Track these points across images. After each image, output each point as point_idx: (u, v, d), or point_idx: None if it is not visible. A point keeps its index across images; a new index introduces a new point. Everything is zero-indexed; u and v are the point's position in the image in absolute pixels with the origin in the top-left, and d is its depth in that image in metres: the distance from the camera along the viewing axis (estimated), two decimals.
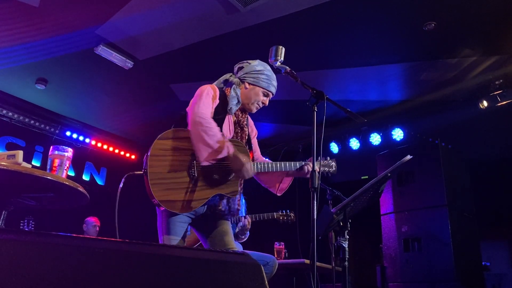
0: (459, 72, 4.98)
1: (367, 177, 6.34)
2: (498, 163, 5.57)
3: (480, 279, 4.34)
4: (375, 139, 6.13)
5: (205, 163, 2.13)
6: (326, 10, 4.00)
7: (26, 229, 4.11)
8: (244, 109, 2.45)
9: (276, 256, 4.08)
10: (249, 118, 2.57)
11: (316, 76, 5.20)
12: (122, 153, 7.43)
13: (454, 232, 4.13)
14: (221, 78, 2.50)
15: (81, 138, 6.80)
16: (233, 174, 2.24)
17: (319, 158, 2.44)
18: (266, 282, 1.31)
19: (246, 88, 2.39)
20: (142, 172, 2.17)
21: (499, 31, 4.23)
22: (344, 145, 6.45)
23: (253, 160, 2.41)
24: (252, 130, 2.56)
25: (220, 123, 2.29)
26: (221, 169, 2.23)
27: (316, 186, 1.82)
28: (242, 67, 2.44)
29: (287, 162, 2.38)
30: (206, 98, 2.24)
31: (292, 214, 3.96)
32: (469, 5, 3.86)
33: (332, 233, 2.38)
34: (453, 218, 4.20)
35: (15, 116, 6.11)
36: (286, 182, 2.51)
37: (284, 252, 4.28)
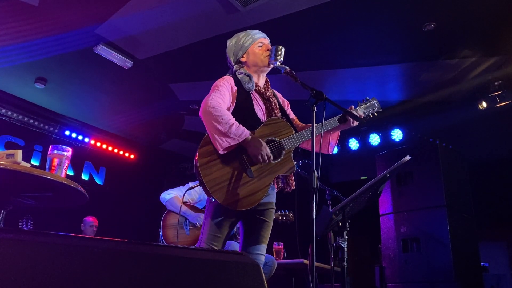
0: (459, 73, 4.98)
1: (366, 177, 6.35)
2: (497, 164, 5.58)
3: (478, 280, 4.34)
4: (374, 139, 6.14)
5: (223, 152, 2.09)
6: (325, 10, 4.00)
7: (25, 229, 4.11)
8: (265, 80, 2.42)
9: (275, 256, 4.08)
10: (276, 91, 2.53)
11: (315, 76, 5.20)
12: (121, 152, 7.42)
13: (453, 232, 4.13)
14: (226, 75, 2.50)
15: (80, 137, 6.79)
16: (284, 152, 2.21)
17: (358, 102, 2.45)
18: (265, 282, 1.31)
19: (244, 61, 2.39)
20: (199, 184, 2.15)
21: (498, 32, 4.23)
22: (343, 146, 6.46)
23: (296, 130, 2.36)
24: (283, 101, 2.54)
25: (250, 106, 2.27)
26: (270, 151, 2.19)
27: (315, 187, 1.82)
28: (228, 56, 2.45)
29: (330, 120, 2.34)
30: (219, 89, 2.22)
31: (291, 214, 3.96)
32: (469, 6, 3.86)
33: (331, 233, 2.38)
34: (452, 219, 4.20)
35: (14, 115, 6.11)
36: (334, 139, 2.50)
37: (283, 252, 4.28)
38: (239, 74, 2.34)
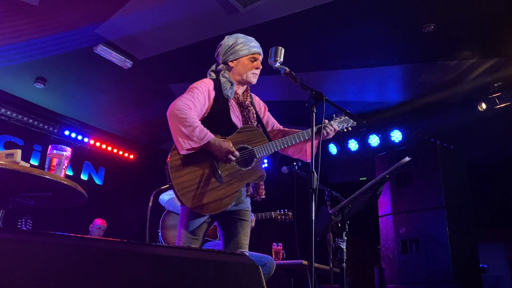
0: (458, 74, 4.99)
1: (365, 178, 6.35)
2: (496, 165, 5.59)
3: (477, 281, 4.34)
4: (374, 140, 6.14)
5: (185, 153, 2.10)
6: (325, 11, 4.00)
7: (24, 228, 4.10)
8: (244, 88, 2.41)
9: (274, 257, 4.08)
10: (254, 95, 2.53)
11: (315, 77, 5.21)
12: (120, 152, 7.41)
13: (452, 234, 4.14)
14: (208, 71, 2.48)
15: (79, 137, 6.79)
16: (255, 160, 2.23)
17: (333, 116, 2.45)
18: (264, 282, 1.31)
19: (232, 67, 2.36)
20: (168, 186, 2.16)
21: (498, 33, 4.24)
22: (342, 147, 6.46)
23: (269, 139, 2.36)
24: (260, 107, 2.52)
25: (226, 112, 2.27)
26: (241, 159, 2.21)
27: (314, 187, 1.82)
28: (218, 52, 2.43)
29: (303, 132, 2.33)
30: (193, 92, 2.22)
31: (290, 213, 3.96)
32: (468, 7, 3.87)
33: (330, 234, 2.38)
34: (451, 220, 4.20)
35: (14, 115, 6.10)
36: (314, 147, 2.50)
37: (282, 253, 4.28)
38: (222, 77, 2.34)
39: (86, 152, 6.96)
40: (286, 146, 2.29)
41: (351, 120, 2.45)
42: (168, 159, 2.14)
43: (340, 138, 6.43)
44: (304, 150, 2.44)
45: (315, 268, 1.77)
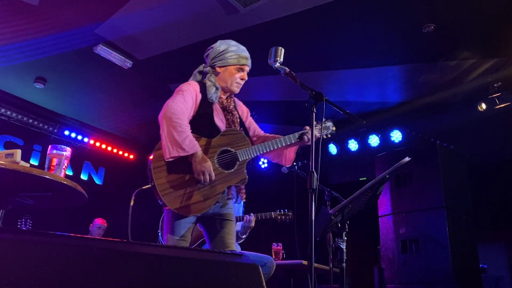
0: (458, 74, 4.99)
1: (365, 178, 6.35)
2: (496, 165, 5.58)
3: (477, 281, 4.34)
4: (374, 140, 6.14)
5: (170, 159, 2.10)
6: (325, 11, 4.00)
7: (24, 228, 4.11)
8: (228, 94, 2.44)
9: (274, 257, 4.08)
10: (237, 100, 2.55)
11: (315, 77, 5.21)
12: (120, 152, 7.42)
13: (452, 234, 4.13)
14: (195, 71, 2.50)
15: (79, 137, 6.79)
16: (238, 162, 2.25)
17: (315, 122, 2.47)
18: (264, 282, 1.31)
19: (218, 72, 2.38)
20: (150, 186, 2.16)
21: (498, 33, 4.24)
22: (342, 147, 6.46)
23: (252, 143, 2.40)
24: (242, 111, 2.54)
25: (210, 115, 2.29)
26: (224, 161, 2.23)
27: (314, 187, 1.82)
28: (208, 54, 2.44)
29: (285, 137, 2.38)
30: (183, 95, 2.23)
31: (290, 213, 3.96)
32: (468, 7, 3.87)
33: (330, 234, 2.38)
34: (451, 220, 4.20)
35: (14, 114, 6.10)
36: (292, 152, 2.51)
37: (282, 253, 4.28)
38: (208, 80, 2.35)
39: (86, 152, 6.96)
40: (268, 150, 2.33)
41: (330, 128, 2.51)
42: (151, 159, 2.14)
43: (340, 138, 6.43)
44: (284, 155, 2.49)
45: (315, 268, 1.77)
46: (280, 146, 2.35)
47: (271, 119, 6.30)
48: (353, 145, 6.34)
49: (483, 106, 5.10)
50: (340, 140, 6.45)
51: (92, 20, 4.29)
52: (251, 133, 2.54)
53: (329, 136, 2.54)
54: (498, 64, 4.75)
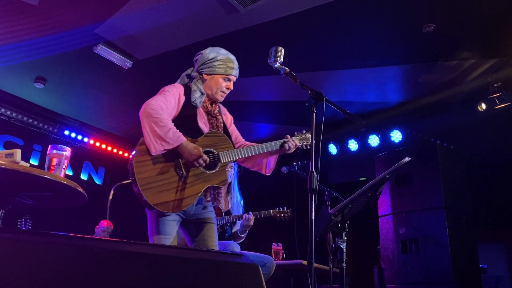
0: (458, 74, 4.99)
1: (365, 178, 6.35)
2: (496, 165, 5.58)
3: (477, 282, 4.34)
4: (374, 140, 6.14)
5: (156, 154, 2.13)
6: (325, 11, 4.00)
7: (24, 228, 4.11)
8: (213, 100, 2.45)
9: (273, 257, 4.07)
10: (222, 106, 2.58)
11: (315, 77, 5.21)
12: (120, 152, 7.41)
13: (452, 234, 4.14)
14: (183, 74, 2.53)
15: (79, 137, 6.79)
16: (220, 164, 2.26)
17: (295, 133, 2.53)
18: (264, 282, 1.31)
19: (205, 79, 2.41)
20: (130, 181, 2.16)
21: (498, 34, 4.24)
22: (342, 147, 6.46)
23: (234, 147, 2.42)
24: (227, 118, 2.56)
25: (193, 118, 2.30)
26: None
27: (314, 187, 1.82)
28: (197, 59, 2.47)
29: (267, 143, 2.41)
30: (166, 94, 2.27)
31: (289, 211, 3.95)
32: (468, 7, 3.87)
33: (330, 234, 2.39)
34: (451, 220, 4.20)
35: (13, 114, 6.10)
36: (272, 161, 2.53)
37: (281, 253, 4.28)
38: (194, 85, 2.38)
39: (86, 152, 6.96)
40: (250, 154, 2.36)
41: (309, 139, 2.52)
42: (133, 154, 2.16)
43: (340, 138, 6.43)
44: (263, 163, 2.51)
45: (315, 268, 1.77)
46: (261, 152, 2.38)
47: (271, 119, 6.30)
48: (353, 145, 6.34)
49: (483, 106, 5.10)
50: (340, 140, 6.45)
51: (92, 20, 4.29)
52: (233, 140, 2.55)
53: (308, 147, 2.52)
54: (498, 64, 4.75)
